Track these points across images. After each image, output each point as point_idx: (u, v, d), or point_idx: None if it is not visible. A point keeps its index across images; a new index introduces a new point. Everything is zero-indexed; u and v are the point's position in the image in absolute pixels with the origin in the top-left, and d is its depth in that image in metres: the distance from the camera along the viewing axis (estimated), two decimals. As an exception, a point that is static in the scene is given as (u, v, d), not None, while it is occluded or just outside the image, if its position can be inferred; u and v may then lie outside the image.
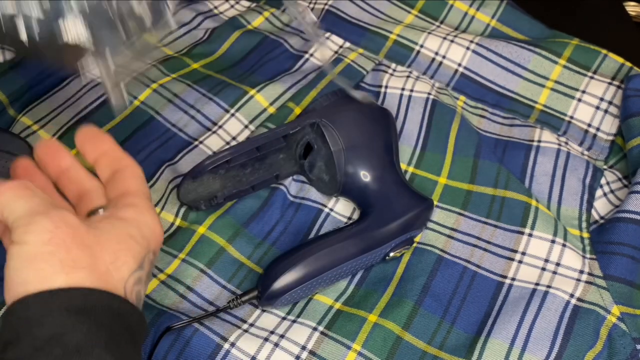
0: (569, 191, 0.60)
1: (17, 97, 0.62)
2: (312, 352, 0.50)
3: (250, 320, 0.52)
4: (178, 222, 0.57)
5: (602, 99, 0.65)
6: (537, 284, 0.54)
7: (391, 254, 0.54)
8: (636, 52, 0.70)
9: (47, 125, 0.60)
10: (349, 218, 0.58)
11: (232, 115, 0.62)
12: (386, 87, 0.66)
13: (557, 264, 0.55)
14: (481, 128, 0.65)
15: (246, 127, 0.62)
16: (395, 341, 0.51)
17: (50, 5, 0.40)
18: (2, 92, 0.62)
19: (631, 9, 0.77)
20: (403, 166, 0.61)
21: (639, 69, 0.67)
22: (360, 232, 0.53)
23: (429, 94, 0.64)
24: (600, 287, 0.54)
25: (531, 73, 0.67)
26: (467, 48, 0.68)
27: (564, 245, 0.56)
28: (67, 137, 0.60)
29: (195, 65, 0.66)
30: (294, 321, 0.52)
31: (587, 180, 0.61)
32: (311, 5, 0.73)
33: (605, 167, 0.62)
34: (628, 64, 0.67)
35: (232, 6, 0.73)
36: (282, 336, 0.51)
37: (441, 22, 0.72)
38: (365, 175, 0.56)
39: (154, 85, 0.63)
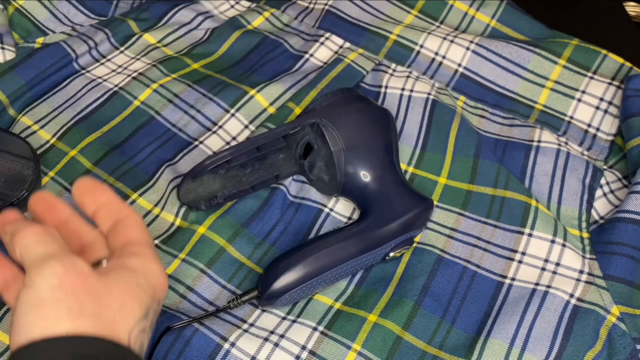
0: (569, 191, 0.60)
1: (17, 97, 0.62)
2: (312, 352, 0.50)
3: (250, 320, 0.52)
4: (178, 222, 0.57)
5: (602, 99, 0.65)
6: (537, 284, 0.54)
7: (391, 254, 0.54)
8: (636, 52, 0.70)
9: (47, 125, 0.60)
10: (349, 218, 0.58)
11: (232, 115, 0.63)
12: (386, 87, 0.66)
13: (557, 264, 0.55)
14: (481, 128, 0.65)
15: (246, 127, 0.62)
16: (395, 341, 0.51)
17: None
18: (2, 92, 0.62)
19: (631, 9, 0.77)
20: (403, 166, 0.61)
21: (639, 69, 0.67)
22: (360, 232, 0.53)
23: (429, 94, 0.65)
24: (600, 287, 0.54)
25: (531, 73, 0.67)
26: (467, 48, 0.68)
27: (563, 245, 0.56)
28: (67, 137, 0.60)
29: (195, 66, 0.66)
30: (294, 321, 0.52)
31: (587, 180, 0.61)
32: (311, 5, 0.73)
33: (605, 167, 0.62)
34: (628, 64, 0.67)
35: (232, 6, 0.73)
36: (282, 336, 0.51)
37: (441, 22, 0.72)
38: (365, 175, 0.56)
39: (154, 85, 0.63)
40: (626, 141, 0.62)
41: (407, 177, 0.61)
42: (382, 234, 0.54)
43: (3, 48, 0.64)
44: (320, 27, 0.71)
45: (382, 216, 0.54)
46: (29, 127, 0.60)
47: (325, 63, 0.68)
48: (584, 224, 0.58)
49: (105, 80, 0.64)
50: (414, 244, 0.57)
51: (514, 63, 0.67)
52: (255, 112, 0.63)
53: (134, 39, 0.67)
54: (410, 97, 0.65)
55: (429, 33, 0.69)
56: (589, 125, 0.65)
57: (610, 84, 0.66)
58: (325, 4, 0.72)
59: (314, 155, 0.57)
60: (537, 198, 0.59)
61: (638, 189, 0.57)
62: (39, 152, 0.59)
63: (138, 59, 0.66)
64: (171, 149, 0.60)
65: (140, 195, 0.57)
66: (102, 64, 0.65)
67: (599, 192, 0.61)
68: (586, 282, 0.55)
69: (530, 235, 0.57)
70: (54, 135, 0.60)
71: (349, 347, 0.51)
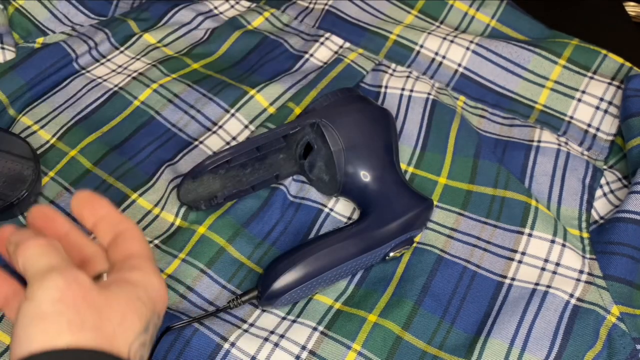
0: (569, 191, 0.60)
1: (17, 97, 0.62)
2: (312, 352, 0.50)
3: (250, 320, 0.52)
4: (178, 222, 0.57)
5: (602, 99, 0.65)
6: (536, 284, 0.54)
7: (391, 254, 0.55)
8: (636, 52, 0.70)
9: (47, 125, 0.60)
10: (349, 218, 0.58)
11: (232, 115, 0.63)
12: (386, 87, 0.66)
13: (557, 264, 0.55)
14: (481, 128, 0.65)
15: (246, 127, 0.62)
16: (395, 341, 0.51)
17: None
18: (2, 92, 0.62)
19: (631, 9, 0.77)
20: (403, 166, 0.61)
21: (639, 69, 0.67)
22: (360, 232, 0.53)
23: (429, 94, 0.65)
24: (600, 287, 0.54)
25: (531, 73, 0.67)
26: (467, 48, 0.68)
27: (563, 245, 0.56)
28: (67, 137, 0.60)
29: (195, 66, 0.67)
30: (294, 321, 0.52)
31: (587, 180, 0.61)
32: (311, 5, 0.73)
33: (605, 167, 0.62)
34: (628, 64, 0.67)
35: (232, 6, 0.73)
36: (282, 336, 0.51)
37: (441, 22, 0.72)
38: (365, 175, 0.56)
39: (154, 85, 0.63)
40: (626, 141, 0.62)
41: (407, 177, 0.61)
42: (382, 234, 0.54)
43: (3, 48, 0.64)
44: (320, 27, 0.71)
45: (382, 216, 0.54)
46: (29, 127, 0.60)
47: (325, 63, 0.68)
48: (584, 224, 0.58)
49: (105, 80, 0.64)
50: (414, 244, 0.57)
51: (514, 63, 0.67)
52: (255, 112, 0.63)
53: (134, 39, 0.67)
54: (410, 97, 0.65)
55: (429, 33, 0.69)
56: (589, 125, 0.65)
57: (610, 84, 0.66)
58: (325, 4, 0.72)
59: (314, 155, 0.57)
60: (537, 198, 0.59)
61: (638, 189, 0.57)
62: (39, 152, 0.59)
63: (138, 59, 0.66)
64: (171, 149, 0.60)
65: (140, 195, 0.57)
66: (102, 64, 0.65)
67: (599, 192, 0.61)
68: (586, 282, 0.55)
69: (530, 235, 0.57)
70: (54, 135, 0.60)
71: (349, 347, 0.51)
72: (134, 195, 0.57)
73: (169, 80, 0.64)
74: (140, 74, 0.64)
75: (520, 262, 0.56)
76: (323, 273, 0.52)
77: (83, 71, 0.64)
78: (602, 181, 0.61)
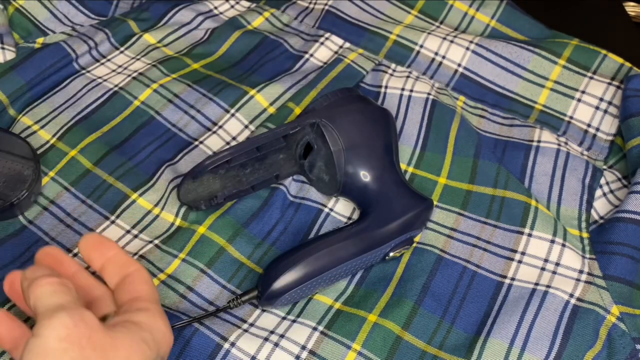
0: (569, 191, 0.60)
1: (17, 97, 0.62)
2: (312, 352, 0.50)
3: (250, 320, 0.52)
4: (178, 222, 0.57)
5: (601, 99, 0.65)
6: (536, 284, 0.54)
7: (391, 254, 0.55)
8: (636, 52, 0.70)
9: (47, 125, 0.60)
10: (349, 218, 0.59)
11: (232, 115, 0.63)
12: (386, 87, 0.66)
13: (557, 264, 0.55)
14: (481, 128, 0.65)
15: (246, 127, 0.62)
16: (395, 341, 0.51)
17: None
18: (2, 92, 0.62)
19: (631, 9, 0.77)
20: (403, 166, 0.61)
21: (639, 69, 0.67)
22: (360, 232, 0.54)
23: (429, 94, 0.65)
24: (600, 287, 0.54)
25: (531, 73, 0.67)
26: (467, 48, 0.68)
27: (563, 245, 0.56)
28: (67, 137, 0.60)
29: (195, 66, 0.67)
30: (293, 321, 0.52)
31: (587, 180, 0.61)
32: (311, 5, 0.73)
33: (604, 167, 0.62)
34: (628, 64, 0.67)
35: (232, 6, 0.73)
36: (282, 336, 0.51)
37: (441, 23, 0.72)
38: (365, 175, 0.56)
39: (154, 85, 0.63)
40: (626, 141, 0.62)
41: (407, 177, 0.61)
42: (382, 234, 0.54)
43: (3, 48, 0.64)
44: (320, 27, 0.71)
45: (382, 216, 0.54)
46: (29, 127, 0.60)
47: (325, 63, 0.68)
48: (583, 224, 0.58)
49: (105, 80, 0.64)
50: (414, 244, 0.57)
51: (514, 63, 0.67)
52: (255, 112, 0.63)
53: (134, 39, 0.68)
54: (410, 97, 0.65)
55: (428, 33, 0.69)
56: (589, 125, 0.65)
57: (610, 84, 0.66)
58: (325, 4, 0.72)
59: (314, 155, 0.57)
60: (536, 198, 0.59)
61: (638, 189, 0.57)
62: (39, 152, 0.59)
63: (138, 59, 0.66)
64: (171, 149, 0.60)
65: (140, 195, 0.57)
66: (102, 64, 0.66)
67: (598, 192, 0.61)
68: (586, 282, 0.55)
69: (530, 235, 0.57)
70: (54, 135, 0.60)
71: (349, 347, 0.51)
72: (134, 195, 0.57)
73: (169, 80, 0.64)
74: (141, 74, 0.64)
75: (520, 262, 0.56)
76: (323, 273, 0.52)
77: (83, 71, 0.65)
78: (602, 181, 0.61)
